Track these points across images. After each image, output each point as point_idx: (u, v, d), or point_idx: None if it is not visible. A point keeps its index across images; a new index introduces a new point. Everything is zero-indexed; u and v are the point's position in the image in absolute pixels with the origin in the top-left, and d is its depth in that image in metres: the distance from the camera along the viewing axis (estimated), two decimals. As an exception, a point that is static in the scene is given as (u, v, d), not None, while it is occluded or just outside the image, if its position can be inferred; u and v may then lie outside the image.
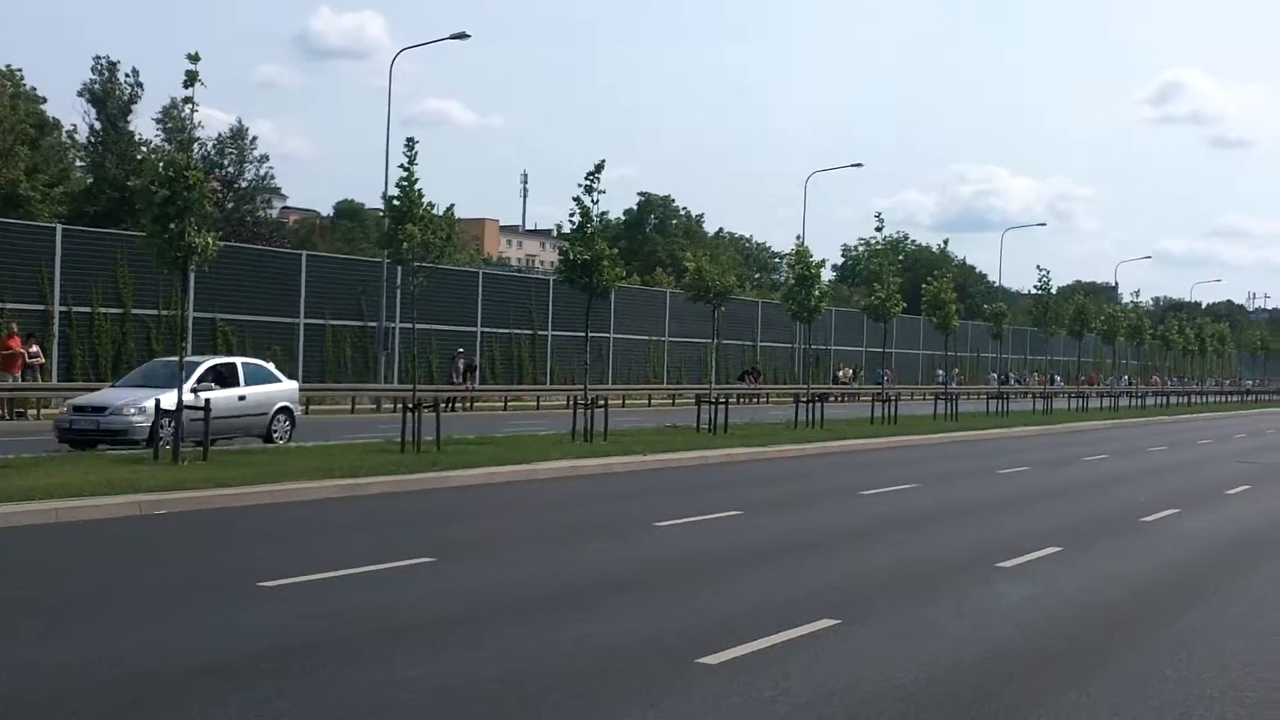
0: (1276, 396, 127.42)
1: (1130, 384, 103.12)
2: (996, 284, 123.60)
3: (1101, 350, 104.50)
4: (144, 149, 75.88)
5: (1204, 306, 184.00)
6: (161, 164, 25.78)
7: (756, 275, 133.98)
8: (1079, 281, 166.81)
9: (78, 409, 29.69)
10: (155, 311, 48.85)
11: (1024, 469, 32.49)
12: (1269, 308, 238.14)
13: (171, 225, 24.98)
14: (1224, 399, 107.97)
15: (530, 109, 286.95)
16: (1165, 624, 12.99)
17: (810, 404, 44.56)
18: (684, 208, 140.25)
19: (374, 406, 53.40)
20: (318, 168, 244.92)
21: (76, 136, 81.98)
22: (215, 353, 50.12)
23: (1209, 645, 11.96)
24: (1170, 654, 11.50)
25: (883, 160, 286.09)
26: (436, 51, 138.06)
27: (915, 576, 15.50)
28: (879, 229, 53.45)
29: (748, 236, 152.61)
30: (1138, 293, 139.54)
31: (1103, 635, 12.32)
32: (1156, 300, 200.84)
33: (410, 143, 30.64)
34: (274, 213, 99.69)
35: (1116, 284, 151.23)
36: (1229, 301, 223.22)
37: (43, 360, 42.89)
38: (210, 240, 25.52)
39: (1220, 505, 25.14)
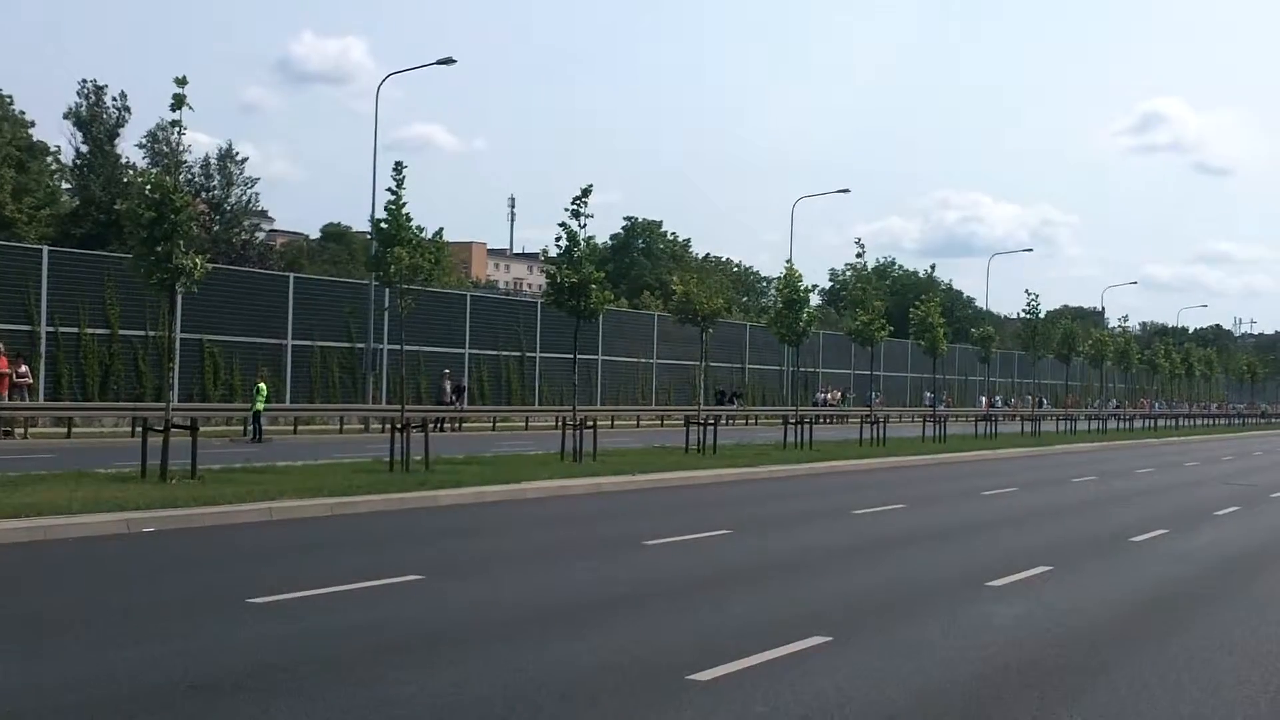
0: (1263, 420, 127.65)
1: (1118, 407, 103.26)
2: (984, 308, 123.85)
3: (1089, 374, 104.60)
4: (130, 171, 75.88)
5: (1191, 331, 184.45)
6: (148, 186, 25.77)
7: (744, 299, 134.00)
8: (1066, 306, 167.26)
9: None
10: (142, 332, 48.98)
11: (1012, 490, 32.49)
12: (1255, 333, 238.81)
13: (159, 247, 24.96)
14: (1211, 422, 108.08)
15: (515, 134, 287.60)
16: (1155, 643, 12.96)
17: (799, 425, 44.59)
18: (671, 232, 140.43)
19: (362, 427, 53.37)
20: (302, 190, 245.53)
21: (63, 159, 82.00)
22: (203, 374, 50.23)
23: (1200, 664, 11.93)
24: (1161, 673, 11.47)
25: (868, 186, 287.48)
26: (420, 76, 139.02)
27: (906, 595, 15.49)
28: (860, 255, 53.58)
29: (735, 261, 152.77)
30: (1125, 317, 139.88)
31: (1093, 654, 12.29)
32: (1144, 325, 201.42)
33: (398, 166, 30.64)
34: (261, 235, 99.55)
35: (1103, 309, 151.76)
36: (1217, 326, 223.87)
37: (30, 380, 42.90)
38: (199, 261, 25.50)
39: (1209, 526, 25.13)
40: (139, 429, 27.22)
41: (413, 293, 31.60)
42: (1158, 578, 17.92)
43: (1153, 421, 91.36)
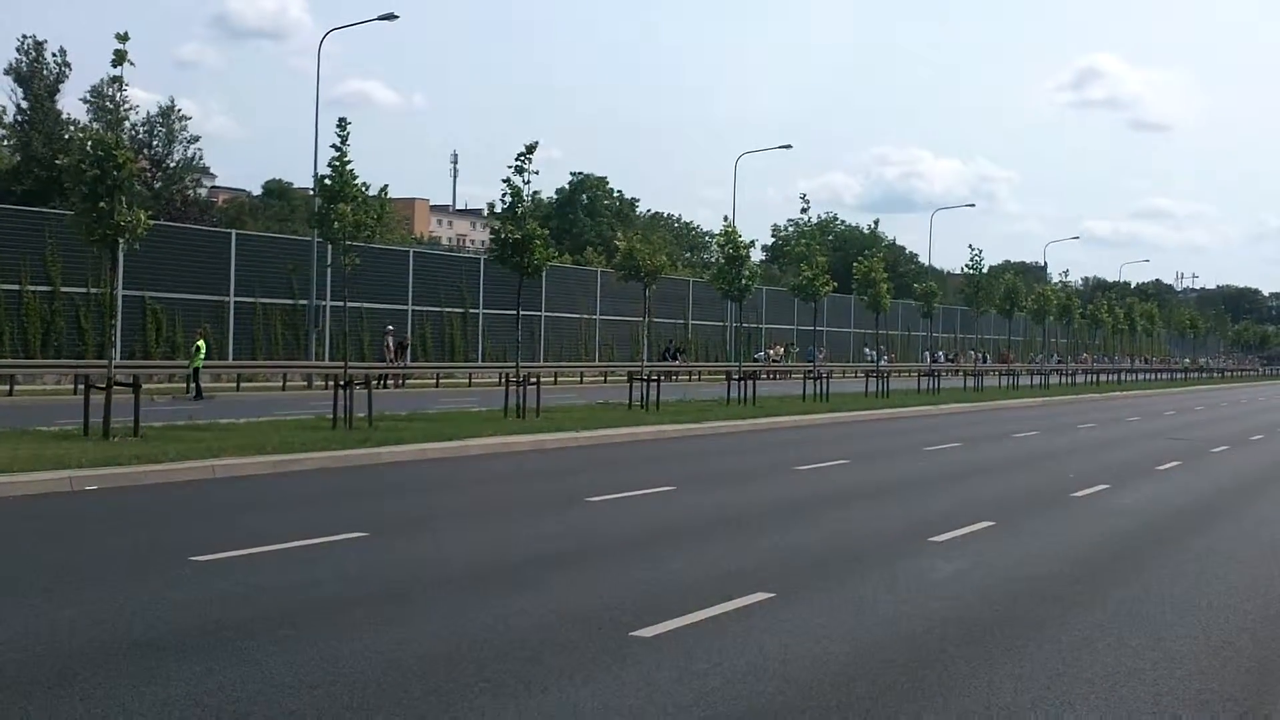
0: (1204, 375, 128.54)
1: (1060, 362, 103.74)
2: (926, 264, 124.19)
3: (1031, 329, 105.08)
4: (72, 128, 75.26)
5: (1133, 286, 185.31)
6: (90, 143, 25.60)
7: (686, 254, 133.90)
8: (1008, 261, 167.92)
9: None
10: (84, 290, 48.69)
11: (955, 445, 32.63)
12: (1197, 287, 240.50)
13: (101, 204, 24.80)
14: (1153, 377, 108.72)
15: (458, 90, 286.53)
16: (1097, 598, 13.03)
17: (742, 381, 44.67)
18: (617, 190, 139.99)
19: (305, 384, 53.22)
20: (243, 147, 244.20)
21: (4, 117, 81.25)
22: (145, 332, 49.99)
23: (1141, 618, 12.01)
24: (1102, 627, 11.54)
25: (810, 143, 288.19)
26: (359, 32, 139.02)
27: (848, 551, 15.54)
28: (804, 210, 53.61)
29: (676, 216, 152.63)
30: (1066, 272, 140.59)
31: (1035, 609, 12.36)
32: (1085, 280, 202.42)
33: (343, 123, 30.66)
34: (203, 192, 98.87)
35: (1045, 264, 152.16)
36: (1158, 281, 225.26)
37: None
38: (141, 218, 25.35)
39: (1150, 482, 25.27)
40: (81, 387, 27.06)
41: (356, 249, 31.48)
42: (1099, 532, 18.01)
43: (1095, 376, 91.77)
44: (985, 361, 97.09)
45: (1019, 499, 21.40)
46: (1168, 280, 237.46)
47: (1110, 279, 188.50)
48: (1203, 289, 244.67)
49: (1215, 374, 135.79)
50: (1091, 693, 9.36)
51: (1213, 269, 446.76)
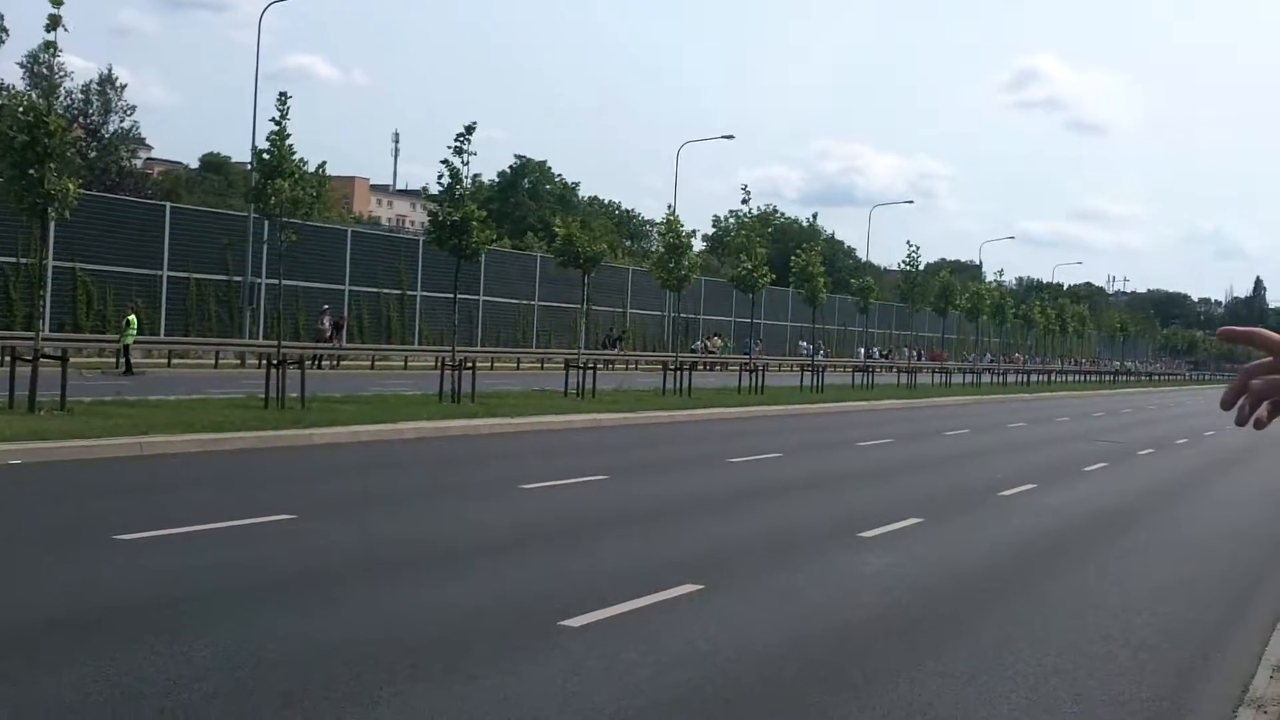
0: (1132, 378, 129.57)
1: (993, 360, 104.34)
2: (864, 259, 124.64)
3: (965, 327, 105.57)
4: (4, 93, 74.56)
5: (1066, 288, 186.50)
6: (21, 109, 25.31)
7: (627, 243, 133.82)
8: (944, 259, 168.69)
9: None
10: (14, 259, 48.16)
11: (887, 441, 32.73)
12: (1129, 291, 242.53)
13: (30, 171, 24.50)
14: (1084, 378, 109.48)
15: (399, 69, 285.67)
16: (1022, 594, 13.12)
17: (678, 372, 44.67)
18: (559, 175, 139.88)
19: (238, 362, 52.88)
20: (179, 118, 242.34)
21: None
22: (75, 304, 49.55)
23: (1065, 617, 12.09)
24: (1026, 624, 11.61)
25: (751, 133, 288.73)
26: (299, 6, 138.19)
27: (779, 544, 15.56)
28: (745, 202, 53.73)
29: (617, 203, 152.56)
30: (1001, 272, 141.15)
31: (961, 604, 12.43)
32: (1020, 280, 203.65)
33: (283, 97, 30.37)
34: (139, 163, 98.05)
35: (981, 263, 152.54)
36: (1089, 284, 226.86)
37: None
38: (71, 186, 25.07)
39: (1078, 481, 25.43)
40: (7, 358, 26.78)
41: (293, 226, 31.29)
42: (1026, 531, 18.14)
43: (1026, 376, 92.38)
44: (919, 358, 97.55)
45: (948, 496, 21.49)
46: (1099, 283, 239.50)
47: (1045, 279, 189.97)
48: (1134, 292, 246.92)
49: (1143, 378, 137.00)
50: (1013, 691, 9.40)
51: (1144, 272, 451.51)
